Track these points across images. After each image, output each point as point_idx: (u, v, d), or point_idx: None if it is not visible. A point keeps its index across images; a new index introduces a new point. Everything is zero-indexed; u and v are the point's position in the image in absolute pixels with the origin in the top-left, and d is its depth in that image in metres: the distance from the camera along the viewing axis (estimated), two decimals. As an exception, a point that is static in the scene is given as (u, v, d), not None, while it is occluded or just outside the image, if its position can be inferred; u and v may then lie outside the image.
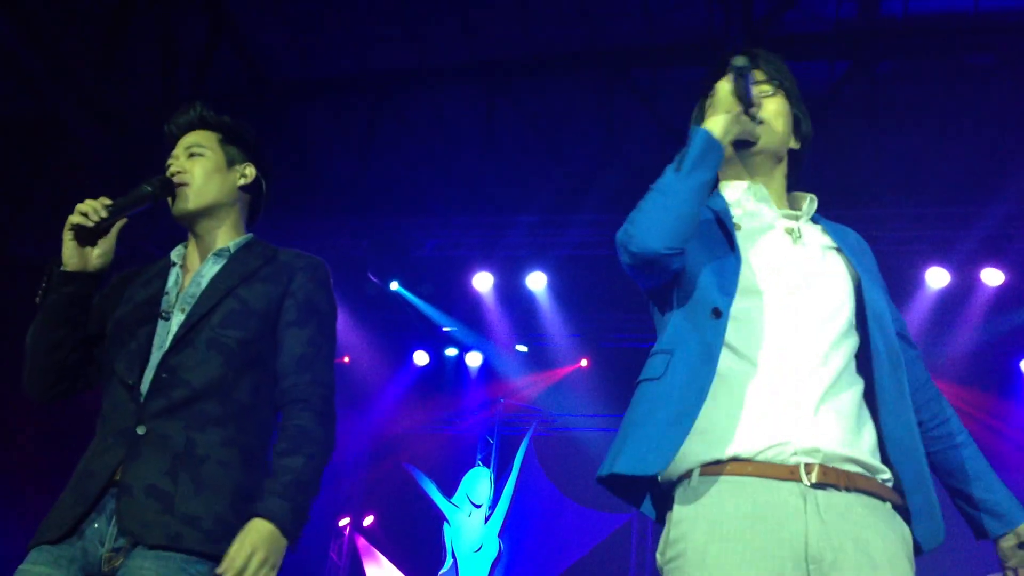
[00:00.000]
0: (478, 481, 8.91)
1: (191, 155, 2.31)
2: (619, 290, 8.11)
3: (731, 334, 1.72)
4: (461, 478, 8.84)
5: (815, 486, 1.62)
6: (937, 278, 6.83)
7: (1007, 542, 1.83)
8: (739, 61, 1.81)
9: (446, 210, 7.30)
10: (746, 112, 1.84)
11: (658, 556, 1.71)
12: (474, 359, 8.85)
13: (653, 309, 1.95)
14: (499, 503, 8.80)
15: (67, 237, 2.16)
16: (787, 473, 1.62)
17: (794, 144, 1.99)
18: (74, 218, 2.15)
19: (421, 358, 8.89)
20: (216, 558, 1.95)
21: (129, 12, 5.94)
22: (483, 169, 7.06)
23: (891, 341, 1.79)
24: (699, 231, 1.81)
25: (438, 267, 7.84)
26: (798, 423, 1.65)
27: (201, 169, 2.30)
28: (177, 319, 2.16)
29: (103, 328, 2.23)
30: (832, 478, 1.63)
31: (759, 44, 6.71)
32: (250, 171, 2.40)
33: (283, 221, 7.55)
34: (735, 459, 1.65)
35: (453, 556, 8.47)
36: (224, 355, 2.11)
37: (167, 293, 2.23)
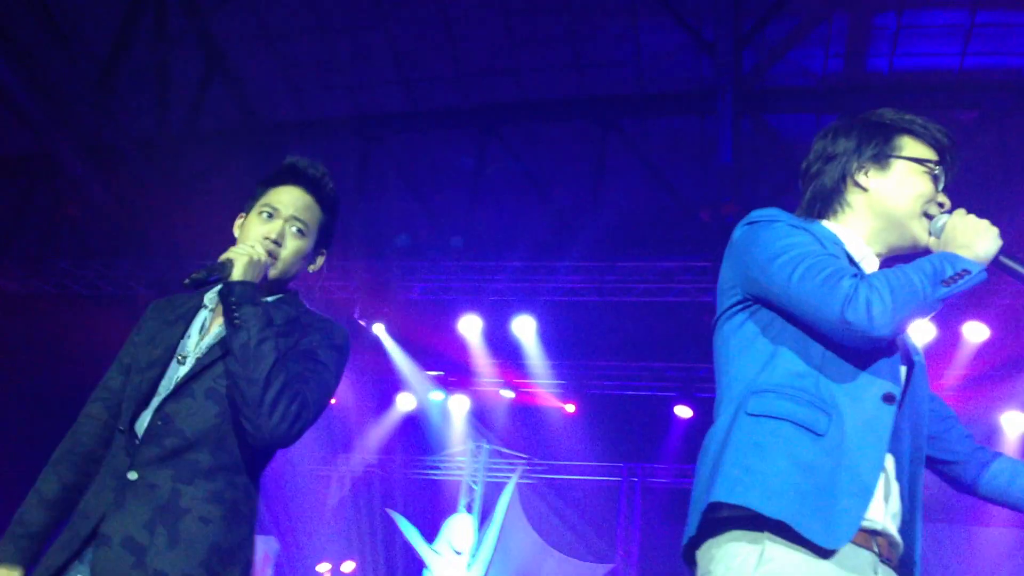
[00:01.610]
0: (461, 527, 8.80)
1: (298, 231, 2.24)
2: (606, 337, 8.13)
3: (860, 411, 1.72)
4: (443, 523, 8.74)
5: (883, 560, 1.69)
6: (921, 332, 6.86)
7: None
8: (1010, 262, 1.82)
9: (435, 254, 7.32)
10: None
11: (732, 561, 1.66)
12: (459, 403, 8.80)
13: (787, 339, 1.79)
14: (481, 550, 8.69)
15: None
16: (864, 541, 1.66)
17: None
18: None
19: (406, 402, 8.84)
20: None
21: (125, 49, 5.99)
22: (473, 213, 7.10)
23: (924, 438, 1.87)
24: None
25: (426, 311, 7.83)
26: (887, 504, 1.73)
27: (294, 251, 2.23)
28: (188, 366, 2.13)
29: (131, 360, 2.23)
30: (888, 553, 1.71)
31: (749, 95, 6.80)
32: (320, 260, 2.37)
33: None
34: None
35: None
36: (220, 406, 2.08)
37: (188, 337, 2.20)
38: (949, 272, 1.69)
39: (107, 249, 7.44)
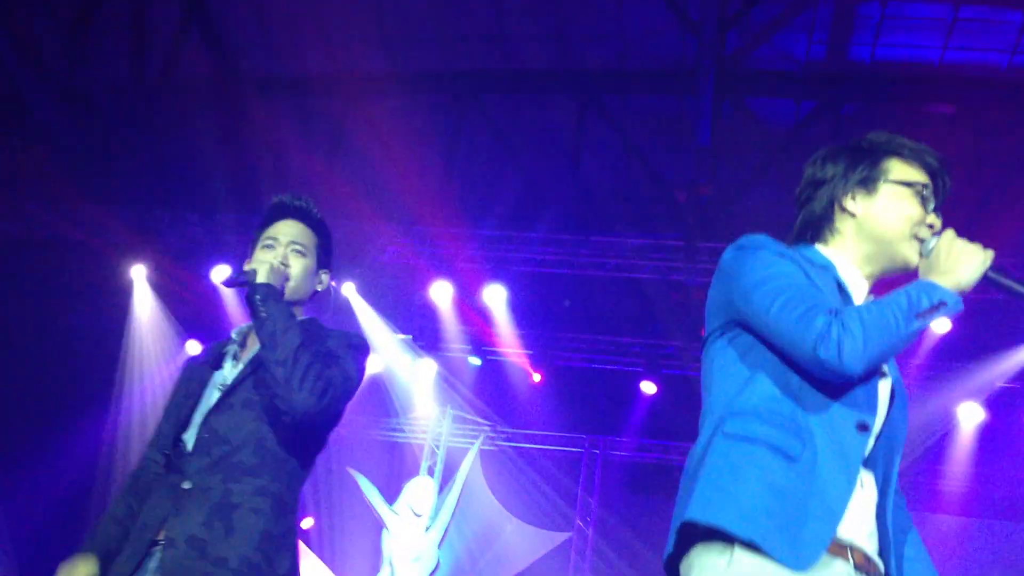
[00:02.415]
0: (421, 490, 8.86)
1: (296, 252, 2.55)
2: (576, 310, 8.16)
3: (830, 428, 1.76)
4: (404, 485, 8.80)
5: (860, 569, 1.73)
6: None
7: None
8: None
9: (409, 218, 7.29)
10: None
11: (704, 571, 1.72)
12: (427, 368, 8.82)
13: (768, 367, 1.83)
14: (441, 514, 8.76)
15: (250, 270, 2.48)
16: (839, 551, 1.71)
17: None
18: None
19: (373, 363, 8.84)
20: None
21: (101, -6, 5.87)
22: (448, 180, 7.07)
23: (896, 470, 1.89)
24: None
25: (397, 274, 7.82)
26: (861, 520, 1.77)
27: (301, 269, 2.55)
28: (219, 392, 2.45)
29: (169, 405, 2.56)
30: (864, 566, 1.74)
31: (730, 77, 6.79)
32: (326, 278, 2.67)
33: (242, 216, 7.49)
34: None
35: (390, 564, 8.41)
36: (256, 412, 2.38)
37: (222, 369, 2.51)
38: (925, 304, 1.72)
39: (75, 195, 7.35)
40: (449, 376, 8.98)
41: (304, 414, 2.31)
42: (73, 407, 8.18)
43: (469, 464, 8.95)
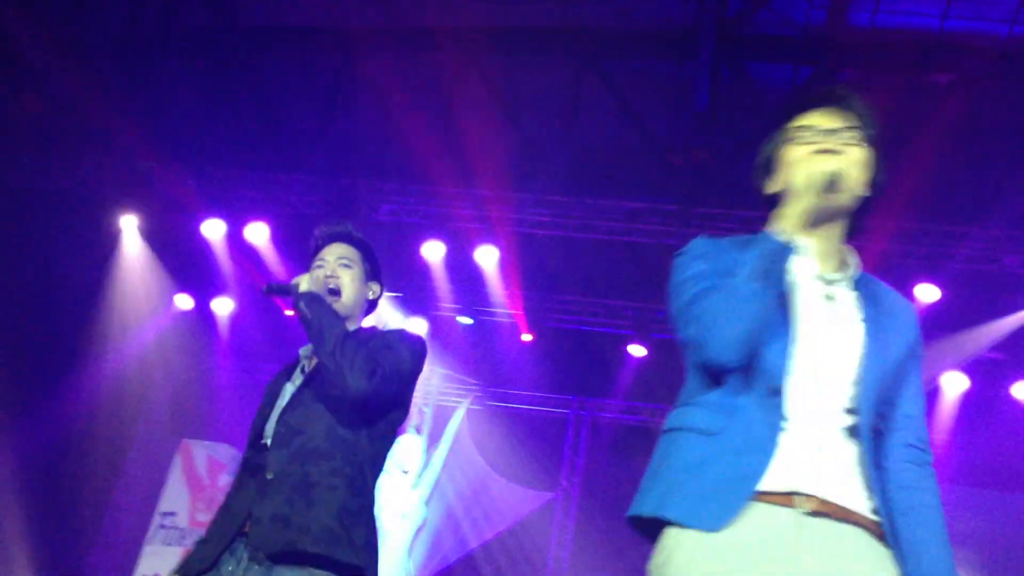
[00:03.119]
0: (409, 448, 8.91)
1: (343, 265, 2.84)
2: (568, 272, 8.18)
3: (785, 395, 1.80)
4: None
5: (810, 514, 1.71)
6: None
7: None
8: (832, 175, 1.81)
9: (403, 176, 7.26)
10: (833, 193, 1.83)
11: (651, 563, 1.78)
12: (417, 326, 8.83)
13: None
14: (428, 471, 8.82)
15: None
16: (784, 500, 1.71)
17: (866, 191, 1.92)
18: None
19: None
20: (329, 561, 2.43)
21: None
22: (444, 139, 7.03)
23: (872, 416, 1.83)
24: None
25: (390, 233, 7.80)
26: (806, 469, 1.75)
27: (350, 279, 2.83)
28: (290, 393, 2.70)
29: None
30: (828, 509, 1.72)
31: (729, 40, 6.76)
32: (376, 288, 2.94)
33: (235, 170, 7.44)
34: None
35: (377, 519, 8.48)
36: (325, 404, 2.62)
37: (293, 380, 2.76)
38: (761, 258, 1.77)
39: (69, 146, 7.27)
40: (439, 335, 9.00)
41: (356, 396, 2.53)
42: (60, 359, 8.17)
43: (457, 423, 9.00)
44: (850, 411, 1.82)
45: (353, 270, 2.84)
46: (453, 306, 8.59)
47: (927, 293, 7.06)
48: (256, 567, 2.43)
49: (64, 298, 8.12)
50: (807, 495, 1.72)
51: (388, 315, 8.76)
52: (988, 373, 7.64)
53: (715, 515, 1.69)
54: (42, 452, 8.04)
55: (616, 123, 6.78)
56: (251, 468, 2.63)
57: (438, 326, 8.88)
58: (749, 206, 6.21)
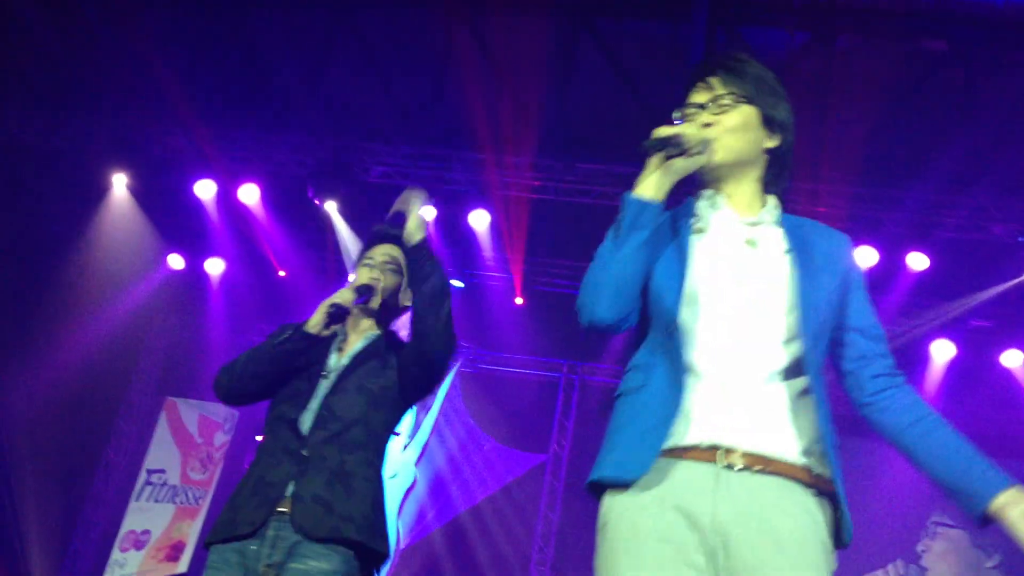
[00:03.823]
0: (400, 410, 8.97)
1: (388, 269, 3.05)
2: (560, 236, 8.17)
3: (685, 344, 1.85)
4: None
5: (730, 467, 1.76)
6: (866, 257, 7.02)
7: (997, 514, 1.78)
8: (649, 142, 1.86)
9: (396, 138, 7.22)
10: (681, 154, 1.87)
11: (597, 524, 1.88)
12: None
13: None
14: (418, 434, 8.88)
15: (323, 311, 2.89)
16: (705, 455, 1.77)
17: (770, 143, 2.00)
18: (337, 300, 2.91)
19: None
20: (366, 548, 2.66)
21: None
22: (436, 100, 6.98)
23: (812, 348, 1.84)
24: (660, 242, 1.91)
25: (382, 194, 7.77)
26: (725, 420, 1.79)
27: (393, 283, 3.04)
28: (333, 377, 2.87)
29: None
30: (748, 462, 1.76)
31: (725, 4, 6.67)
32: (411, 298, 3.02)
33: (226, 130, 7.40)
34: (666, 449, 1.80)
35: (380, 494, 8.55)
36: (367, 396, 2.83)
37: (329, 358, 2.93)
38: (619, 219, 1.87)
39: (57, 102, 7.22)
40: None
41: (434, 359, 2.85)
42: (50, 317, 8.17)
43: (448, 385, 9.06)
44: (785, 346, 1.84)
45: (398, 276, 3.05)
46: (445, 269, 8.57)
47: (917, 261, 7.08)
48: (294, 537, 2.62)
49: (54, 256, 8.10)
50: (728, 448, 1.76)
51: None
52: (975, 341, 7.68)
53: (630, 468, 1.79)
54: (33, 409, 8.08)
55: (610, 86, 6.73)
56: (281, 443, 2.79)
57: (430, 289, 8.88)
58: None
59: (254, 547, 2.64)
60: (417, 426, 8.92)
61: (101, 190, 7.88)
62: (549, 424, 9.11)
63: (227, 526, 2.69)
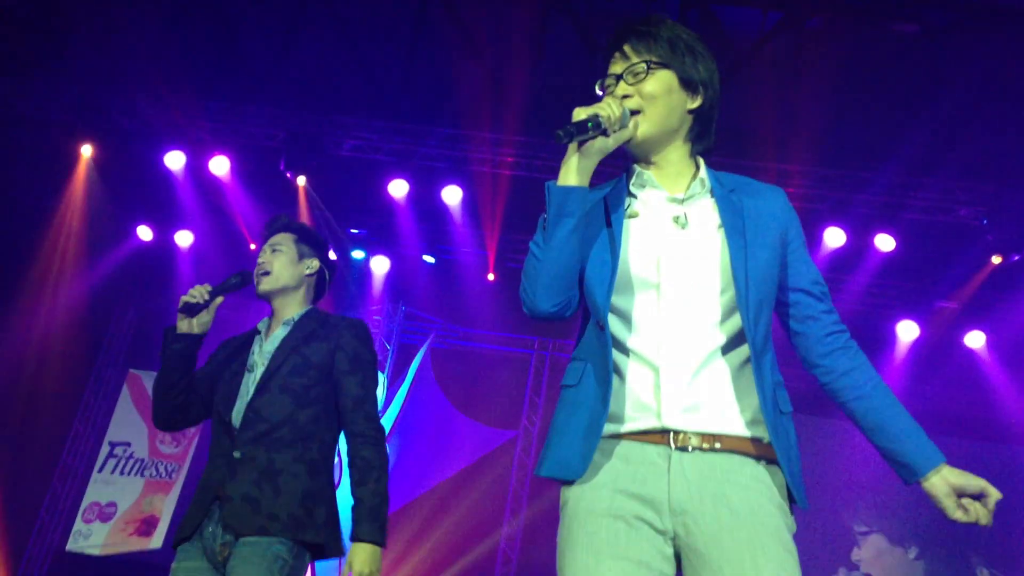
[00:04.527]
0: (371, 384, 8.97)
1: (274, 250, 3.17)
2: (532, 213, 8.17)
3: (617, 329, 1.88)
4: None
5: (681, 448, 1.80)
6: (834, 238, 7.10)
7: (927, 489, 1.90)
8: (564, 129, 1.82)
9: (368, 112, 7.17)
10: (601, 135, 1.83)
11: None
12: (380, 264, 8.82)
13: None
14: (390, 409, 8.90)
15: (180, 309, 3.03)
16: (656, 438, 1.82)
17: (692, 103, 1.97)
18: (185, 297, 3.05)
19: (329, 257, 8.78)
20: (292, 538, 2.75)
21: None
22: (409, 74, 6.94)
23: (750, 322, 1.83)
24: (592, 225, 1.92)
25: (354, 168, 7.73)
26: (669, 403, 1.82)
27: (279, 262, 3.15)
28: (258, 372, 2.97)
29: (212, 381, 3.08)
30: (697, 441, 1.80)
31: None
32: (315, 264, 3.23)
33: (196, 101, 7.31)
34: (615, 434, 1.86)
35: (338, 455, 8.57)
36: (292, 396, 2.92)
37: (253, 353, 3.06)
38: (546, 210, 1.85)
39: (21, 69, 7.09)
40: (402, 273, 9.00)
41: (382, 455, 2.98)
42: (17, 287, 8.08)
43: (419, 361, 9.07)
44: (723, 324, 1.85)
45: (283, 253, 3.16)
46: (417, 244, 8.58)
47: (884, 242, 7.16)
48: (229, 536, 2.77)
49: (21, 227, 8.00)
50: (677, 430, 1.80)
51: (350, 253, 8.74)
52: (940, 322, 7.79)
53: (571, 467, 1.84)
54: (0, 382, 8.01)
55: (582, 63, 6.72)
56: (220, 446, 2.92)
57: (402, 264, 8.88)
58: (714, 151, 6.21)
59: (198, 547, 2.82)
60: (389, 401, 8.93)
61: (68, 159, 7.78)
62: (520, 400, 9.16)
63: (178, 531, 2.88)
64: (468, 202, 7.88)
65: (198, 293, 3.06)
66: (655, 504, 1.78)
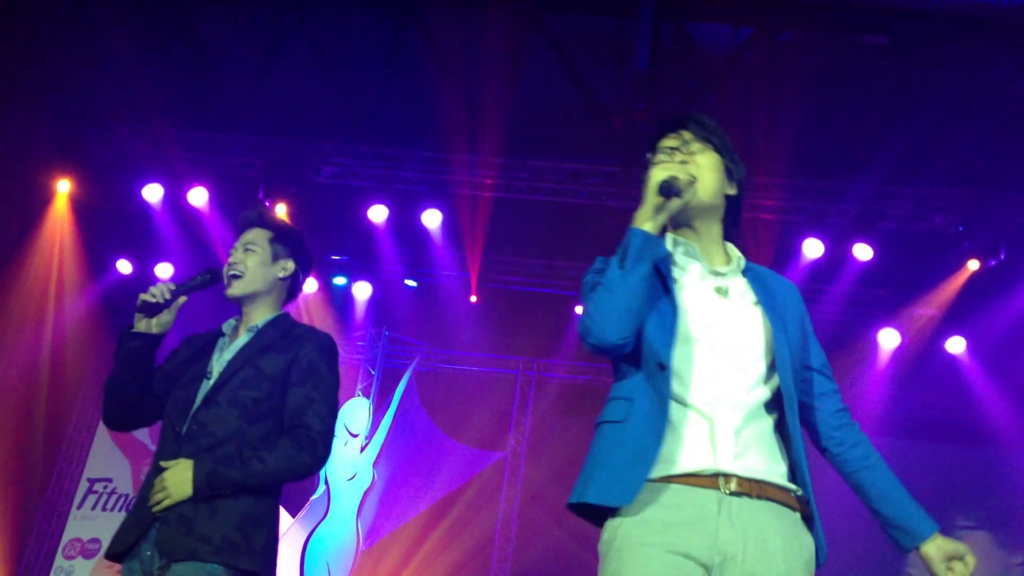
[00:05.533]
0: (357, 411, 8.94)
1: (246, 250, 2.97)
2: (512, 234, 8.19)
3: (672, 381, 2.02)
4: (340, 407, 8.83)
5: (732, 494, 1.94)
6: (812, 248, 7.16)
7: (924, 553, 2.09)
8: (661, 182, 2.03)
9: (346, 138, 7.17)
10: (675, 195, 2.05)
11: (600, 545, 2.01)
12: (362, 290, 8.80)
13: (614, 359, 2.16)
14: (376, 434, 8.86)
15: (138, 308, 2.81)
16: (708, 482, 1.95)
17: (730, 190, 2.23)
18: (144, 296, 2.83)
19: (309, 285, 8.78)
20: (225, 564, 2.57)
21: None
22: (385, 98, 6.96)
23: (791, 386, 2.06)
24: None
25: (334, 195, 7.73)
26: (722, 450, 1.98)
27: (252, 263, 2.96)
28: (213, 380, 2.79)
29: (169, 382, 2.88)
30: (746, 488, 1.96)
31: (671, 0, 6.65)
32: (290, 266, 3.04)
33: (173, 132, 7.30)
34: (667, 476, 1.97)
35: (326, 483, 8.52)
36: (240, 410, 2.73)
37: (212, 359, 2.87)
38: (624, 253, 2.01)
39: (-2, 103, 7.06)
40: (385, 298, 8.98)
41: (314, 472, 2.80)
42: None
43: (404, 385, 9.04)
44: (764, 384, 2.05)
45: (257, 253, 2.97)
46: (398, 269, 8.57)
47: (862, 252, 7.22)
48: (165, 560, 2.60)
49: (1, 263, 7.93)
50: (727, 475, 1.94)
51: (332, 279, 8.72)
52: (921, 329, 7.85)
53: (617, 495, 1.93)
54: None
55: (558, 82, 6.76)
56: (164, 456, 2.72)
57: (384, 289, 8.87)
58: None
59: (139, 565, 2.65)
60: (375, 427, 8.89)
61: (46, 194, 7.73)
62: (507, 421, 9.14)
63: (111, 544, 2.69)
64: (448, 224, 7.90)
65: (158, 292, 2.83)
66: (705, 545, 1.90)
